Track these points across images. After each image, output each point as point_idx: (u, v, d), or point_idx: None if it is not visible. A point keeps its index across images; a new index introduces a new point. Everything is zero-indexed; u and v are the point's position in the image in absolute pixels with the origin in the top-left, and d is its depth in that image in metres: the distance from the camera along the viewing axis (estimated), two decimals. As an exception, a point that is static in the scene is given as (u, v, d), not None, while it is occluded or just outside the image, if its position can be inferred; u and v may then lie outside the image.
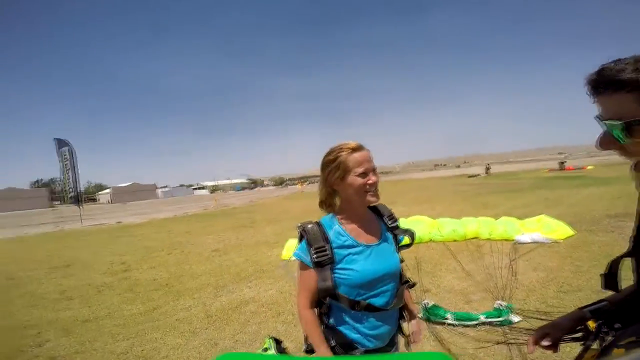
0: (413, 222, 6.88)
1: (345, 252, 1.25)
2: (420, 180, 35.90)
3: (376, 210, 1.43)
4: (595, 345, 0.77)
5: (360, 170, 1.21)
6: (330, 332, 1.31)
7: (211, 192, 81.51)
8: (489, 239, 5.91)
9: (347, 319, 1.30)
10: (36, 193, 67.28)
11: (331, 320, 1.32)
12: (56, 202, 63.99)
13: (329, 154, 1.27)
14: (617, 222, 6.08)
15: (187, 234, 10.91)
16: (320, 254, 1.22)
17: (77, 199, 19.16)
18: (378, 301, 1.27)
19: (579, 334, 0.90)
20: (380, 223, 1.40)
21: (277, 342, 2.79)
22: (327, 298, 1.26)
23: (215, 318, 3.71)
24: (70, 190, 18.70)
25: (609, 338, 0.74)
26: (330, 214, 1.35)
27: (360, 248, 1.26)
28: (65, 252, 8.90)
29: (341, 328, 1.31)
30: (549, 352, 0.90)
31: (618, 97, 0.57)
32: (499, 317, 2.89)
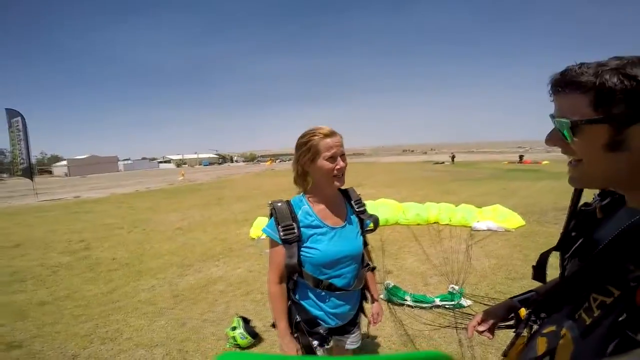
0: (380, 204, 7.09)
1: (311, 231, 1.32)
2: (389, 164, 36.75)
3: (345, 194, 1.50)
4: (525, 333, 0.85)
5: (328, 154, 1.27)
6: (296, 307, 1.40)
7: (177, 166, 78.62)
8: (448, 224, 6.27)
9: (311, 296, 1.39)
10: (-21, 165, 61.50)
11: (297, 296, 1.41)
12: (3, 175, 59.04)
13: (302, 136, 1.33)
14: (562, 215, 6.61)
15: (150, 210, 10.58)
16: (288, 231, 1.29)
17: (30, 172, 17.75)
18: (339, 282, 1.36)
19: (511, 322, 1.00)
20: (348, 206, 1.47)
21: (246, 321, 2.85)
22: (295, 275, 1.34)
23: (182, 298, 3.70)
24: (22, 162, 17.25)
25: (535, 326, 0.80)
26: (301, 194, 1.40)
27: (326, 229, 1.34)
28: (16, 230, 8.30)
29: (305, 304, 1.40)
30: (486, 337, 1.01)
31: (573, 97, 0.60)
32: (451, 300, 3.12)
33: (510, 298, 1.04)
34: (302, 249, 1.32)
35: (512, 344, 0.89)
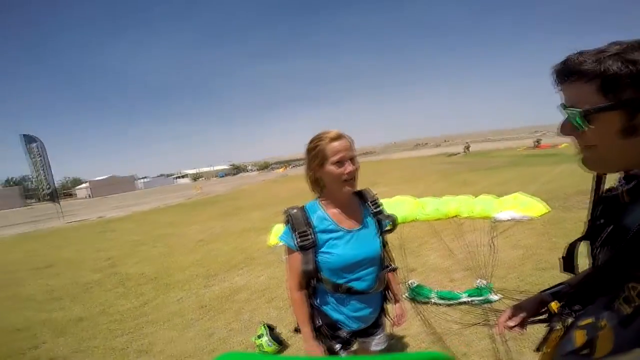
0: (397, 202, 7.03)
1: (327, 236, 1.31)
2: (402, 160, 36.33)
3: (361, 195, 1.49)
4: (558, 326, 0.82)
5: (336, 159, 1.25)
6: (317, 312, 1.40)
7: (193, 181, 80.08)
8: (469, 217, 6.13)
9: (331, 300, 1.38)
10: (9, 192, 64.15)
11: (317, 302, 1.41)
12: (31, 200, 61.44)
13: (310, 141, 1.32)
14: (587, 199, 6.37)
15: (171, 225, 10.79)
16: (304, 238, 1.29)
17: (54, 196, 18.43)
18: (359, 285, 1.35)
19: (543, 316, 0.96)
20: (363, 208, 1.45)
21: (271, 328, 2.87)
22: (313, 280, 1.34)
23: (209, 308, 3.77)
24: (46, 187, 17.94)
25: (570, 320, 0.78)
26: (315, 199, 1.40)
27: (342, 233, 1.33)
28: (47, 251, 8.66)
29: (326, 309, 1.40)
30: (516, 332, 0.97)
31: (578, 86, 0.60)
32: (480, 295, 3.04)
33: (541, 291, 1.01)
34: (319, 254, 1.31)
35: (546, 338, 0.86)
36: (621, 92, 0.56)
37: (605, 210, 0.76)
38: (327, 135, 1.28)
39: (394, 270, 1.58)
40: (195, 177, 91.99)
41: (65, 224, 15.77)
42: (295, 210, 1.34)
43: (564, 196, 6.95)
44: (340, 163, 1.26)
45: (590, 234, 0.79)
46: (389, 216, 1.46)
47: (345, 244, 1.32)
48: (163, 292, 4.47)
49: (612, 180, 0.77)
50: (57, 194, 20.15)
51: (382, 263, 1.47)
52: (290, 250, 1.35)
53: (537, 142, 29.61)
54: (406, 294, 3.27)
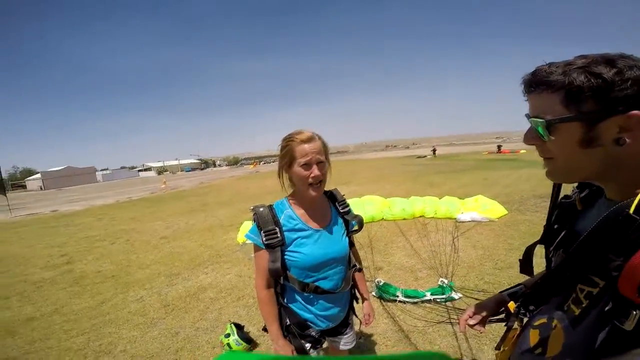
0: (366, 201, 7.16)
1: (294, 235, 1.31)
2: (373, 160, 37.07)
3: (330, 195, 1.50)
4: (516, 325, 0.87)
5: (303, 161, 1.25)
6: (285, 311, 1.40)
7: (158, 174, 76.88)
8: (433, 217, 6.40)
9: (299, 299, 1.39)
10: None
11: (285, 300, 1.41)
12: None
13: (283, 139, 1.32)
14: (542, 202, 6.85)
15: (133, 220, 10.31)
16: (271, 236, 1.28)
17: (2, 187, 16.98)
18: (326, 284, 1.36)
19: (501, 315, 1.03)
20: (332, 208, 1.47)
21: (239, 327, 2.84)
22: (280, 279, 1.34)
23: (173, 307, 3.64)
24: (-8, 177, 16.48)
25: (525, 319, 0.83)
26: (284, 198, 1.40)
27: (309, 232, 1.33)
28: (-8, 247, 7.98)
29: (294, 307, 1.40)
30: (477, 330, 1.04)
31: (545, 96, 0.62)
32: (442, 294, 3.19)
33: (500, 292, 1.07)
34: (286, 252, 1.31)
35: (504, 337, 0.91)
36: (583, 104, 0.57)
37: (560, 216, 0.81)
38: (298, 136, 1.26)
39: (360, 270, 1.60)
40: (160, 171, 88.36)
41: (13, 217, 14.59)
42: (262, 209, 1.33)
43: (520, 199, 7.41)
44: (307, 165, 1.25)
45: (545, 238, 0.83)
46: (355, 216, 1.48)
47: (313, 243, 1.33)
48: (122, 291, 4.26)
49: (568, 187, 0.82)
50: (5, 185, 18.58)
51: (349, 263, 1.49)
52: (257, 248, 1.34)
53: (499, 147, 31.33)
54: (373, 292, 3.36)
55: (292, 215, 1.34)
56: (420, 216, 6.57)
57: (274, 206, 1.36)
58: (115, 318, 3.51)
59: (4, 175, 18.70)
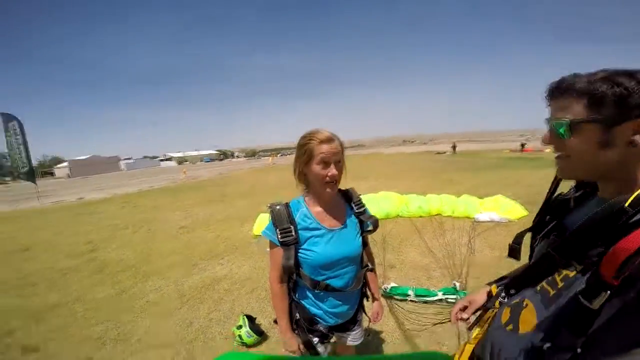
0: (382, 197, 7.10)
1: (309, 234, 1.34)
2: (390, 155, 36.63)
3: (346, 194, 1.52)
4: (495, 306, 0.94)
5: (321, 160, 1.28)
6: (296, 306, 1.45)
7: (179, 164, 78.77)
8: (451, 216, 6.29)
9: (310, 295, 1.43)
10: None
11: (296, 296, 1.46)
12: (6, 178, 59.54)
13: (302, 137, 1.33)
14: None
15: (154, 209, 10.62)
16: (285, 234, 1.31)
17: (31, 174, 17.79)
18: (337, 282, 1.39)
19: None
20: (347, 207, 1.48)
21: (251, 319, 2.89)
22: (293, 275, 1.38)
23: (189, 297, 3.76)
24: (23, 165, 17.25)
25: (504, 300, 0.89)
26: (300, 196, 1.43)
27: (323, 231, 1.36)
28: (23, 234, 8.37)
29: (304, 303, 1.45)
30: (469, 323, 1.06)
31: (569, 100, 0.68)
32: (454, 294, 3.15)
33: (488, 284, 1.13)
34: (299, 251, 1.35)
35: (480, 317, 0.99)
36: (604, 108, 0.63)
37: (553, 209, 0.88)
38: (318, 135, 1.28)
39: (372, 270, 1.62)
40: (181, 161, 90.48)
41: (42, 204, 15.30)
42: (279, 207, 1.36)
43: (542, 201, 7.16)
44: (325, 164, 1.28)
45: (535, 227, 0.90)
46: (370, 217, 1.49)
47: (326, 242, 1.35)
48: (141, 280, 4.42)
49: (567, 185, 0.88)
50: (35, 173, 19.43)
51: (361, 262, 1.52)
52: (272, 245, 1.38)
53: (522, 145, 30.29)
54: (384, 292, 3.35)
55: (307, 214, 1.37)
56: (437, 214, 6.47)
57: (290, 204, 1.39)
58: (134, 307, 3.65)
59: (34, 163, 19.53)
